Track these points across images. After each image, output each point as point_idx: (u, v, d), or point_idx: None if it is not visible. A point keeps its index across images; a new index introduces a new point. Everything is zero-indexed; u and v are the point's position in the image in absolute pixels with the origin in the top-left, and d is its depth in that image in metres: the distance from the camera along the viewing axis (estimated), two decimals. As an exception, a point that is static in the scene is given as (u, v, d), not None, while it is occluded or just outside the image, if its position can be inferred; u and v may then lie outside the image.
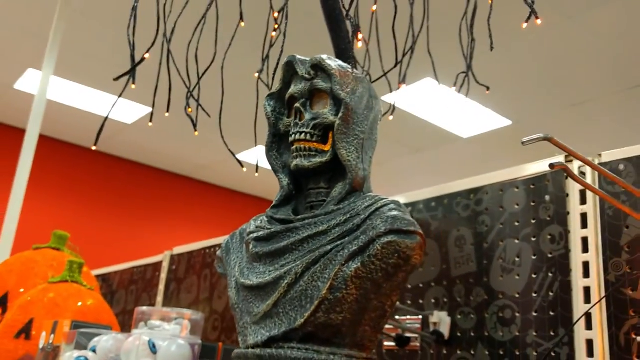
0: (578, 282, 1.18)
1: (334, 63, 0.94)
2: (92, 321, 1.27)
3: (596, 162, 1.20)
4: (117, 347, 0.96)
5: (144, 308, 1.03)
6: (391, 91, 1.32)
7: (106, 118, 1.24)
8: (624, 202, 1.14)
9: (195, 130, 1.31)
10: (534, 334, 1.23)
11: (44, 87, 2.77)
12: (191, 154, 6.43)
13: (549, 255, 1.24)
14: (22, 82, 5.11)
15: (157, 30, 1.28)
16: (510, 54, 4.10)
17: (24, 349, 1.33)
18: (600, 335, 1.12)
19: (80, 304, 1.41)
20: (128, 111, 5.31)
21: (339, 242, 0.83)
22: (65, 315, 1.35)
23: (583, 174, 1.21)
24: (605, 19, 3.71)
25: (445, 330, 1.38)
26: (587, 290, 1.16)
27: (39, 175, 3.37)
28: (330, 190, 0.91)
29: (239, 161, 1.31)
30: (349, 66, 0.97)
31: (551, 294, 1.22)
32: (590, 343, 1.13)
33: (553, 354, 1.18)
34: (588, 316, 1.14)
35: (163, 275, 2.42)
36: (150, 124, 1.67)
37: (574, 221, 1.22)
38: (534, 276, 1.26)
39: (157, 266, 2.49)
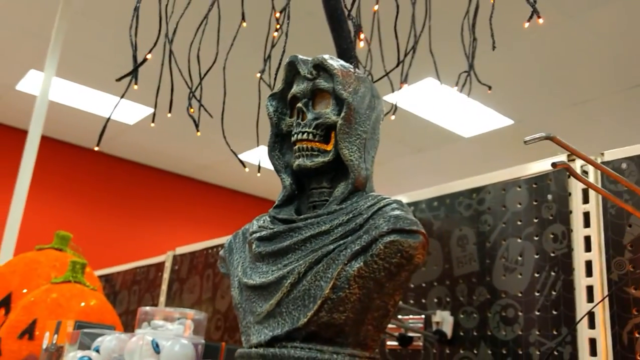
0: (581, 281, 1.18)
1: (336, 63, 0.94)
2: (95, 321, 1.27)
3: (598, 160, 1.19)
4: (120, 347, 0.96)
5: (147, 308, 1.03)
6: (393, 91, 1.32)
7: (108, 119, 1.24)
8: (627, 201, 1.14)
9: (198, 131, 1.31)
10: (537, 333, 1.23)
11: (46, 88, 2.77)
12: (193, 155, 6.43)
13: (552, 254, 1.24)
14: (24, 83, 5.12)
15: (159, 31, 1.28)
16: (512, 54, 4.10)
17: (28, 349, 1.33)
18: (603, 334, 1.12)
19: (83, 304, 1.41)
20: (130, 112, 5.32)
21: (341, 242, 0.83)
22: (69, 316, 1.35)
23: (585, 172, 1.21)
24: (606, 19, 3.71)
25: (447, 329, 1.37)
26: (589, 289, 1.16)
27: (41, 176, 3.37)
28: (333, 190, 0.91)
29: (241, 161, 1.31)
30: (351, 66, 0.97)
31: (554, 293, 1.22)
32: (593, 342, 1.13)
33: (556, 353, 1.18)
34: (591, 315, 1.14)
35: (165, 276, 2.42)
36: (152, 124, 1.67)
37: (577, 220, 1.21)
38: (536, 275, 1.26)
39: (159, 266, 2.49)
